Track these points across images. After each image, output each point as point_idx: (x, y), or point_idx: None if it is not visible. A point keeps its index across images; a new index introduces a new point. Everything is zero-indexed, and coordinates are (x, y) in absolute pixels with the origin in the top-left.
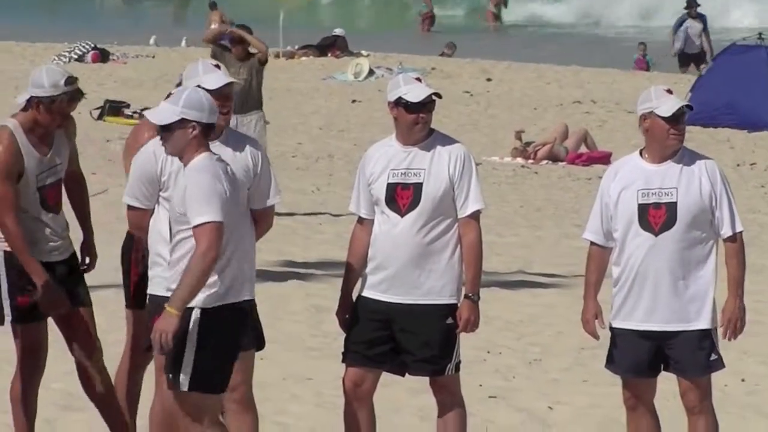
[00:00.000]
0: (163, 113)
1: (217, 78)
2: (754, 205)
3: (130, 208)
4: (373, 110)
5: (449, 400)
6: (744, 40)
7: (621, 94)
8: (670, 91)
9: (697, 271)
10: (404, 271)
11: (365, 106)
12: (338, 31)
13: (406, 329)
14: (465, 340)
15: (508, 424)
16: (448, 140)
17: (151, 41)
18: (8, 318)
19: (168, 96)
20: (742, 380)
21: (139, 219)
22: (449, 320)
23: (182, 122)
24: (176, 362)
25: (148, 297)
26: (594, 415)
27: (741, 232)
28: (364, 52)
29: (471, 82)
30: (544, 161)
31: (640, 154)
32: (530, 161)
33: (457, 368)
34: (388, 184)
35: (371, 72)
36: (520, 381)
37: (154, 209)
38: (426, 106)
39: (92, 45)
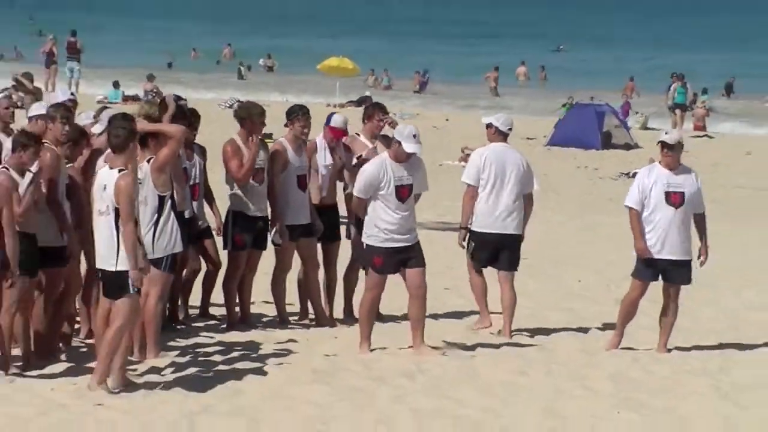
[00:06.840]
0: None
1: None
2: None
3: (357, 198)
4: None
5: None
6: (581, 101)
7: None
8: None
9: (690, 228)
10: None
11: None
12: (368, 93)
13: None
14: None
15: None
16: None
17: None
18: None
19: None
20: None
21: (361, 205)
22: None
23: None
24: None
25: (365, 246)
26: None
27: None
28: None
29: None
30: None
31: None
32: None
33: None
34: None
35: None
36: None
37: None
38: None
39: None
